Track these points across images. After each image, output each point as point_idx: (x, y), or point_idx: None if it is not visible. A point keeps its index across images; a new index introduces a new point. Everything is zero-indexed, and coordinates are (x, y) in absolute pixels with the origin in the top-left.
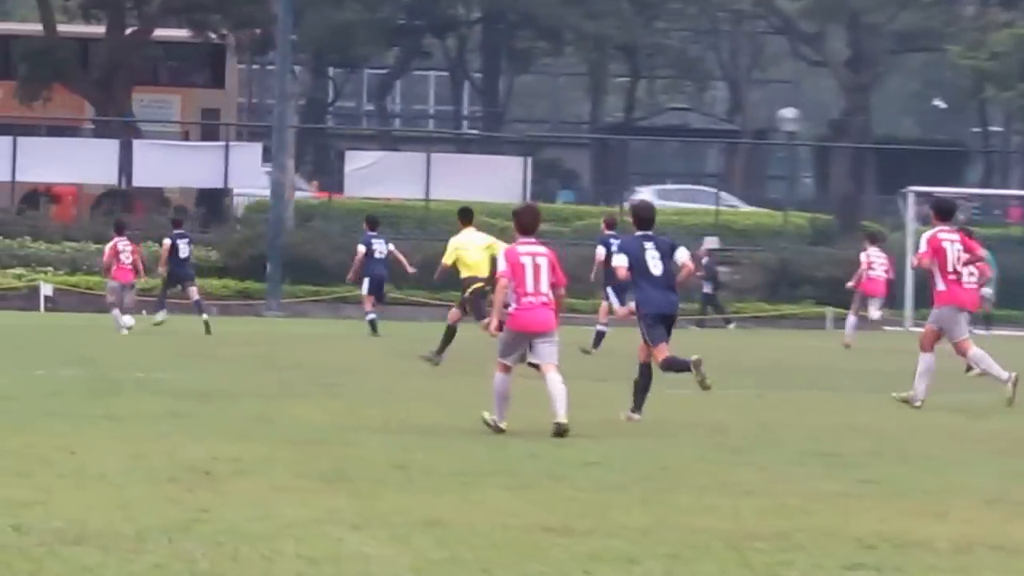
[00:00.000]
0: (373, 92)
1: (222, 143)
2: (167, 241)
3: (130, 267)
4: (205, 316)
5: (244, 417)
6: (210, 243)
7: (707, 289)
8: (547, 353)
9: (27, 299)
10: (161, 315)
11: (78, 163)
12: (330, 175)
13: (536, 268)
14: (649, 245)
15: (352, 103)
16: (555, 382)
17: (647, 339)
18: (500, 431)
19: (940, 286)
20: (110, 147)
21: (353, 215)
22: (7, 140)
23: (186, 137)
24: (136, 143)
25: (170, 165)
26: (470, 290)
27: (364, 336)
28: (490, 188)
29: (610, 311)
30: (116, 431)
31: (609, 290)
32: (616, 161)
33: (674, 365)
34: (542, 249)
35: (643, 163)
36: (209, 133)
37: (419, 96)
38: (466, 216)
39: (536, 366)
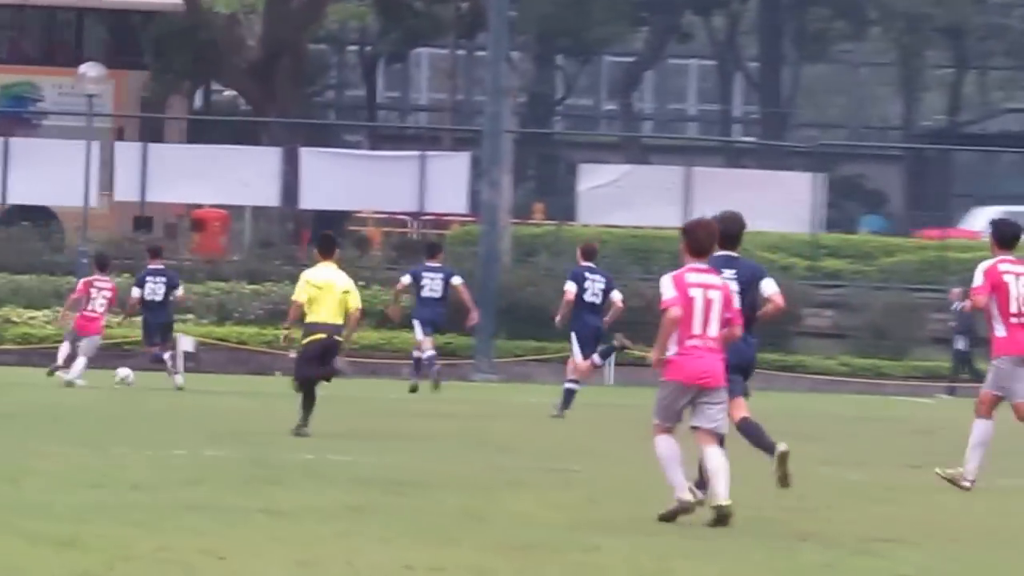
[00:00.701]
0: (615, 87)
1: (416, 152)
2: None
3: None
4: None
5: (446, 513)
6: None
7: (960, 345)
8: (711, 416)
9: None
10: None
11: (228, 178)
12: (559, 195)
13: (707, 304)
14: (729, 273)
15: (588, 100)
16: (715, 456)
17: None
18: (687, 508)
19: (999, 331)
20: (270, 158)
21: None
22: (133, 148)
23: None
24: (304, 152)
25: (348, 181)
26: None
27: (591, 408)
28: (771, 213)
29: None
30: (278, 530)
31: (574, 336)
32: (936, 178)
33: (752, 434)
34: (716, 280)
35: (971, 180)
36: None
37: (676, 92)
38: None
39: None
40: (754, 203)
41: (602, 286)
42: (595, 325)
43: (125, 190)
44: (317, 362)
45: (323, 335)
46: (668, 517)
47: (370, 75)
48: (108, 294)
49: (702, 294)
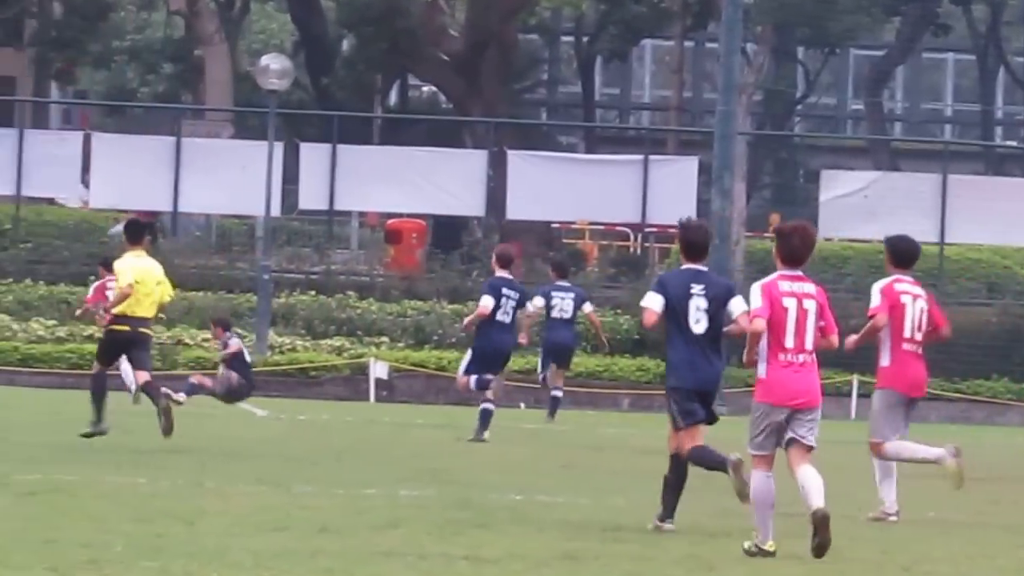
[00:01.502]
0: (863, 84)
1: (638, 156)
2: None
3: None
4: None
5: (671, 562)
6: (620, 304)
7: None
8: (803, 433)
9: (351, 384)
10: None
11: (426, 184)
12: (797, 205)
13: (802, 314)
14: (697, 288)
15: (831, 99)
16: (810, 475)
17: (676, 421)
18: (764, 553)
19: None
20: (473, 161)
21: (832, 265)
22: (320, 151)
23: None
24: (512, 156)
25: (561, 188)
26: None
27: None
28: None
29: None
30: None
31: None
32: None
33: (705, 459)
34: (811, 288)
35: None
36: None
37: (930, 90)
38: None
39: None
40: (1018, 215)
41: (571, 302)
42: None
43: (310, 198)
44: (119, 355)
45: (128, 328)
46: (751, 551)
47: (587, 70)
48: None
49: (796, 303)
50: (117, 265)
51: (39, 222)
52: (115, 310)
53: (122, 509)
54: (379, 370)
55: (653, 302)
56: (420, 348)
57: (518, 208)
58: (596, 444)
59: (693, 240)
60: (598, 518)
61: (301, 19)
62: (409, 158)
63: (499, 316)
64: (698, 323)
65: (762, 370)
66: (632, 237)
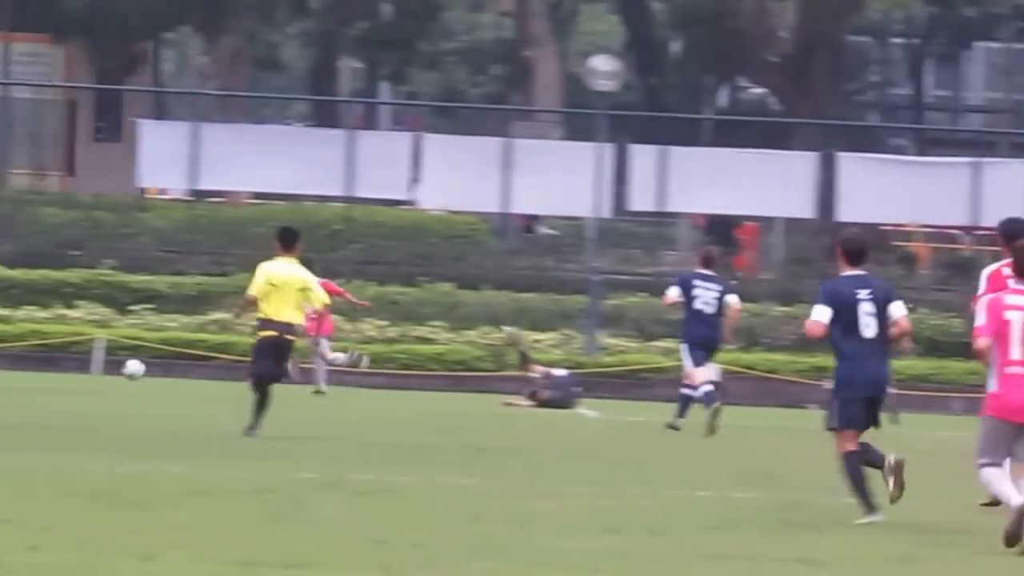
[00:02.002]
0: None
1: (969, 159)
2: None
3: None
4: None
5: (1013, 568)
6: (951, 307)
7: None
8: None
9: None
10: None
11: (756, 186)
12: None
13: None
14: (864, 293)
15: None
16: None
17: (831, 421)
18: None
19: None
20: (803, 163)
21: None
22: (650, 151)
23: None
24: (843, 158)
25: (892, 191)
26: None
27: None
28: None
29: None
30: None
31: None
32: None
33: (865, 459)
34: None
35: None
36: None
37: None
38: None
39: None
40: None
41: (715, 294)
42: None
43: (640, 199)
44: (271, 360)
45: (274, 333)
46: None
47: (917, 71)
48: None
49: (1021, 316)
50: (258, 269)
51: (370, 223)
52: (259, 315)
53: (454, 510)
54: (711, 372)
55: (821, 315)
56: (751, 350)
57: (849, 210)
58: (925, 447)
59: (854, 248)
60: (929, 521)
61: (630, 20)
62: (738, 160)
63: (697, 306)
64: (868, 327)
65: (991, 386)
66: (962, 239)
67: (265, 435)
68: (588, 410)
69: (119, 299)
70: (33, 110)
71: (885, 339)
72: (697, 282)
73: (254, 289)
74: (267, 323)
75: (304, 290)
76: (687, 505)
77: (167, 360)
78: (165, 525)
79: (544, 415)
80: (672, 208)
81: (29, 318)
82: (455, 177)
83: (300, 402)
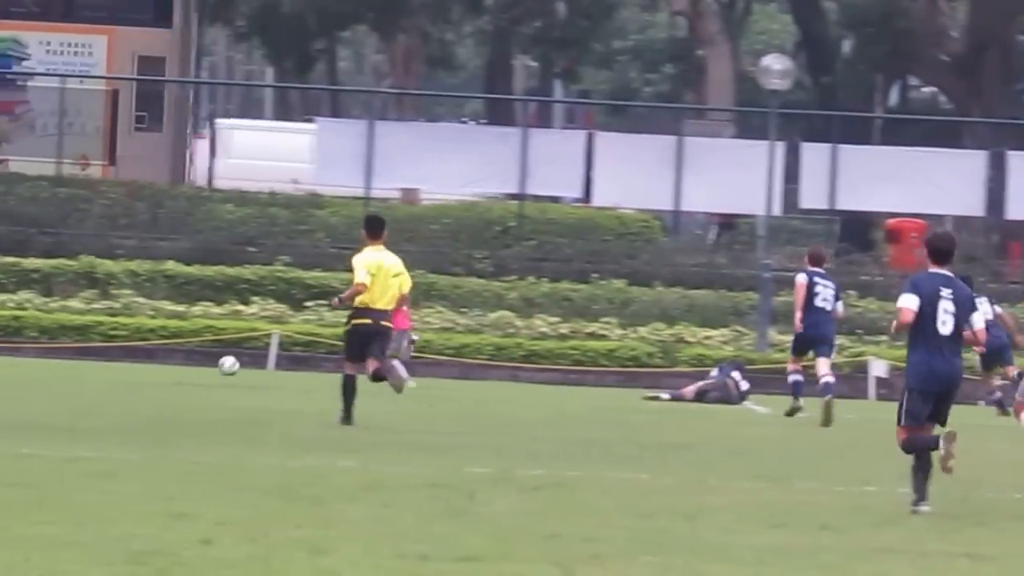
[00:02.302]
0: None
1: None
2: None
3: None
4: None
5: None
6: None
7: None
8: None
9: (851, 382)
10: None
11: (925, 184)
12: None
13: None
14: (946, 292)
15: None
16: None
17: (901, 418)
18: None
19: None
20: (973, 162)
21: None
22: (821, 150)
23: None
24: (1013, 156)
25: None
26: None
27: None
28: None
29: None
30: None
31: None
32: None
33: (917, 444)
34: None
35: None
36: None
37: None
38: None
39: None
40: None
41: (832, 292)
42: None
43: (811, 197)
44: (365, 348)
45: (369, 320)
46: None
47: None
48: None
49: None
50: (354, 261)
51: (542, 220)
52: (356, 303)
53: (624, 504)
54: (879, 368)
55: (910, 302)
56: None
57: (1019, 209)
58: None
59: (942, 247)
60: None
61: (803, 20)
62: (908, 158)
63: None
64: (944, 324)
65: None
66: None
67: (437, 431)
68: (757, 406)
69: (294, 295)
70: (75, 100)
71: (959, 338)
72: (817, 280)
73: (365, 277)
74: (365, 311)
75: (398, 276)
76: (855, 500)
77: (341, 356)
78: (337, 519)
79: (715, 411)
80: (842, 206)
81: (205, 314)
82: (628, 175)
83: (469, 398)
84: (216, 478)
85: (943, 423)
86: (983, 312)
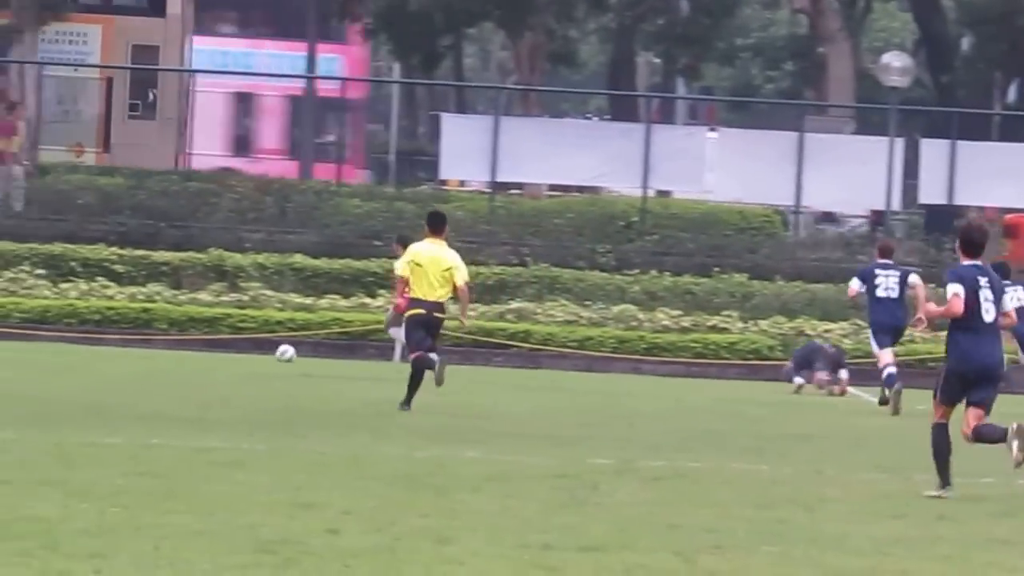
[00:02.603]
0: None
1: None
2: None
3: None
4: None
5: None
6: None
7: None
8: None
9: None
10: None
11: None
12: None
13: None
14: (983, 281)
15: None
16: None
17: (938, 395)
18: None
19: None
20: None
21: None
22: (940, 146)
23: None
24: None
25: None
26: None
27: None
28: None
29: None
30: None
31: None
32: None
33: (984, 437)
34: None
35: None
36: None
37: None
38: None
39: None
40: None
41: (896, 279)
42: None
43: (930, 192)
44: (424, 336)
45: (422, 311)
46: None
47: None
48: None
49: None
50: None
51: (665, 214)
52: (410, 295)
53: (745, 495)
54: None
55: (959, 291)
56: None
57: None
58: None
59: (975, 240)
60: None
61: (922, 18)
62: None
63: (880, 293)
64: (987, 312)
65: None
66: None
67: (561, 422)
68: (875, 398)
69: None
70: (71, 88)
71: (997, 325)
72: (878, 271)
73: (403, 270)
74: (416, 302)
75: (449, 270)
76: (972, 491)
77: (467, 348)
78: (461, 509)
79: (833, 403)
80: (960, 201)
81: (332, 307)
82: (749, 171)
83: (592, 390)
84: (343, 468)
85: (988, 408)
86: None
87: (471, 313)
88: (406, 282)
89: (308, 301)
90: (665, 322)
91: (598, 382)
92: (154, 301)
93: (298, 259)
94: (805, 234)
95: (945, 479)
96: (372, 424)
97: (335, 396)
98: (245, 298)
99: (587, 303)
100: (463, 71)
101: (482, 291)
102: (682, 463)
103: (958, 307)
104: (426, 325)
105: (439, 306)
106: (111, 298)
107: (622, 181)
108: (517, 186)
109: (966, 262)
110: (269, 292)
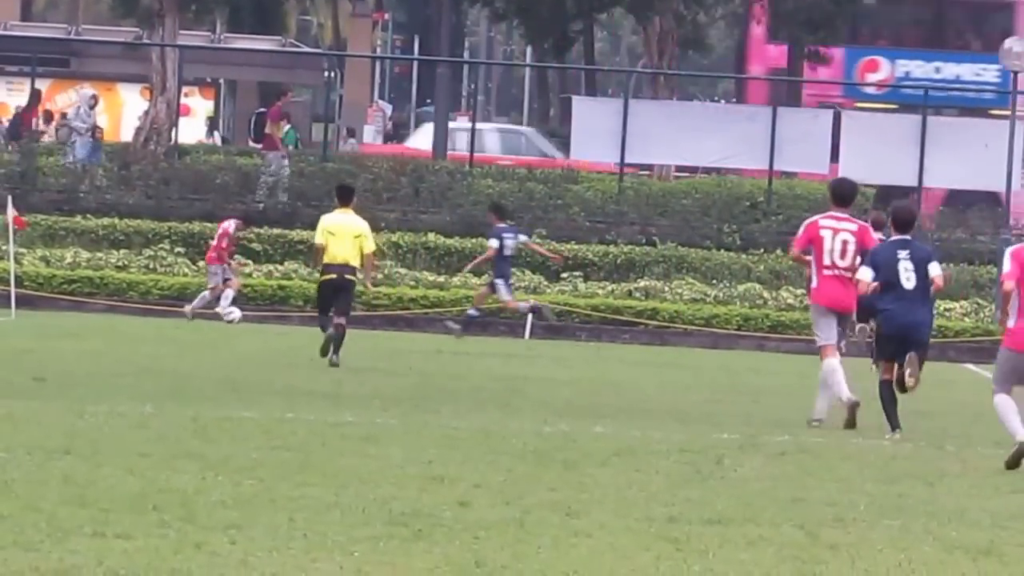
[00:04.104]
0: None
1: None
2: None
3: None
4: None
5: None
6: None
7: None
8: None
9: None
10: None
11: None
12: None
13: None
14: (903, 254)
15: None
16: None
17: (876, 356)
18: None
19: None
20: None
21: None
22: None
23: None
24: None
25: None
26: None
27: None
28: None
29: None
30: None
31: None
32: None
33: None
34: None
35: None
36: None
37: None
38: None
39: None
40: None
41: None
42: None
43: None
44: (332, 298)
45: (334, 275)
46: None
47: None
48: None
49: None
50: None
51: (789, 195)
52: (324, 261)
53: (866, 470)
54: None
55: (864, 275)
56: None
57: None
58: None
59: (904, 219)
60: None
61: None
62: None
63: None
64: (908, 280)
65: (1010, 322)
66: None
67: (687, 398)
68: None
69: (549, 267)
70: None
71: (925, 291)
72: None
73: (321, 239)
74: (329, 267)
75: (358, 237)
76: None
77: (595, 325)
78: (589, 483)
79: (953, 379)
80: None
81: (464, 284)
82: (873, 152)
83: (718, 366)
84: (474, 443)
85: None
86: None
87: (377, 275)
88: (323, 250)
89: (441, 279)
90: (789, 300)
91: (723, 359)
92: (290, 279)
93: (432, 238)
94: (927, 215)
95: (893, 423)
96: (502, 399)
97: (466, 372)
98: (380, 276)
99: (713, 282)
100: (594, 55)
101: (611, 269)
102: (805, 438)
103: (863, 288)
104: (338, 288)
105: (351, 269)
106: (248, 275)
107: (748, 163)
108: (646, 167)
109: (894, 237)
110: (403, 270)
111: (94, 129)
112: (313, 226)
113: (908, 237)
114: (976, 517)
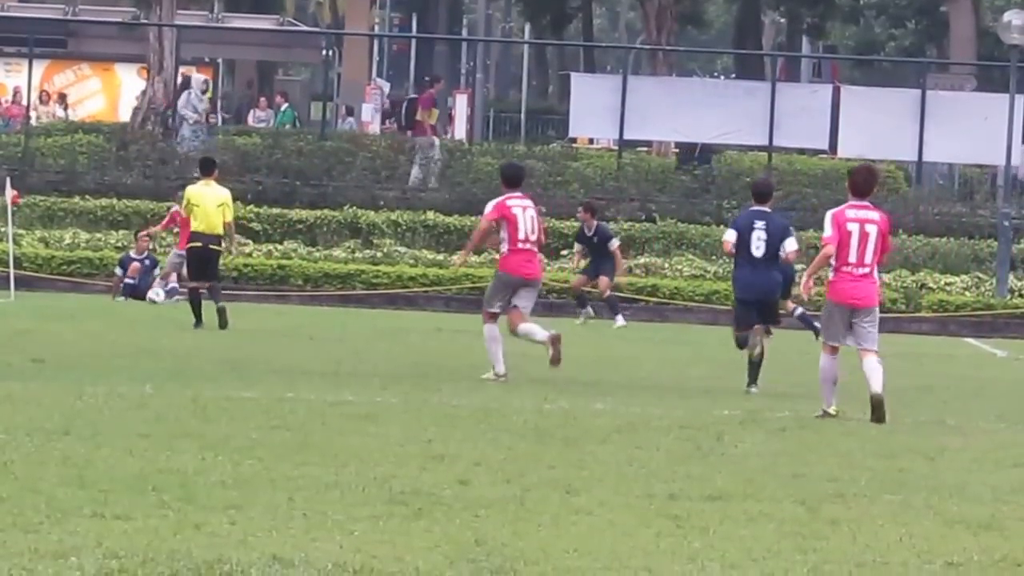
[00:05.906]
0: None
1: None
2: None
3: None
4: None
5: None
6: None
7: None
8: (864, 335)
9: None
10: None
11: None
12: None
13: (863, 236)
14: (759, 224)
15: None
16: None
17: (735, 323)
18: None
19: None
20: None
21: None
22: None
23: None
24: None
25: None
26: None
27: None
28: None
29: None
30: None
31: None
32: None
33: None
34: (873, 215)
35: None
36: None
37: None
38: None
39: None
40: None
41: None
42: None
43: None
44: (200, 267)
45: (200, 244)
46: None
47: None
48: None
49: (859, 228)
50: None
51: (789, 171)
52: (191, 229)
53: (866, 445)
54: None
55: (729, 235)
56: None
57: None
58: None
59: (761, 191)
60: None
61: None
62: None
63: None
64: (758, 249)
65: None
66: None
67: (687, 374)
68: (996, 349)
69: (548, 244)
70: None
71: (773, 259)
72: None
73: (185, 211)
74: (196, 235)
75: (221, 206)
76: None
77: (595, 303)
78: (589, 460)
79: (955, 354)
80: None
81: (463, 262)
82: (872, 127)
83: (717, 342)
84: (473, 421)
85: (773, 323)
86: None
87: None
88: (187, 221)
89: (440, 257)
90: None
91: (723, 335)
92: (290, 258)
93: (431, 216)
94: (926, 189)
95: (754, 377)
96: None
97: (466, 350)
98: (379, 255)
99: (713, 258)
100: (592, 32)
101: None
102: (806, 414)
103: (727, 248)
104: (204, 256)
105: (216, 239)
106: (248, 255)
107: (747, 138)
108: (645, 144)
109: (753, 207)
110: (402, 248)
111: (207, 115)
112: (314, 205)
113: (767, 209)
114: (977, 491)
